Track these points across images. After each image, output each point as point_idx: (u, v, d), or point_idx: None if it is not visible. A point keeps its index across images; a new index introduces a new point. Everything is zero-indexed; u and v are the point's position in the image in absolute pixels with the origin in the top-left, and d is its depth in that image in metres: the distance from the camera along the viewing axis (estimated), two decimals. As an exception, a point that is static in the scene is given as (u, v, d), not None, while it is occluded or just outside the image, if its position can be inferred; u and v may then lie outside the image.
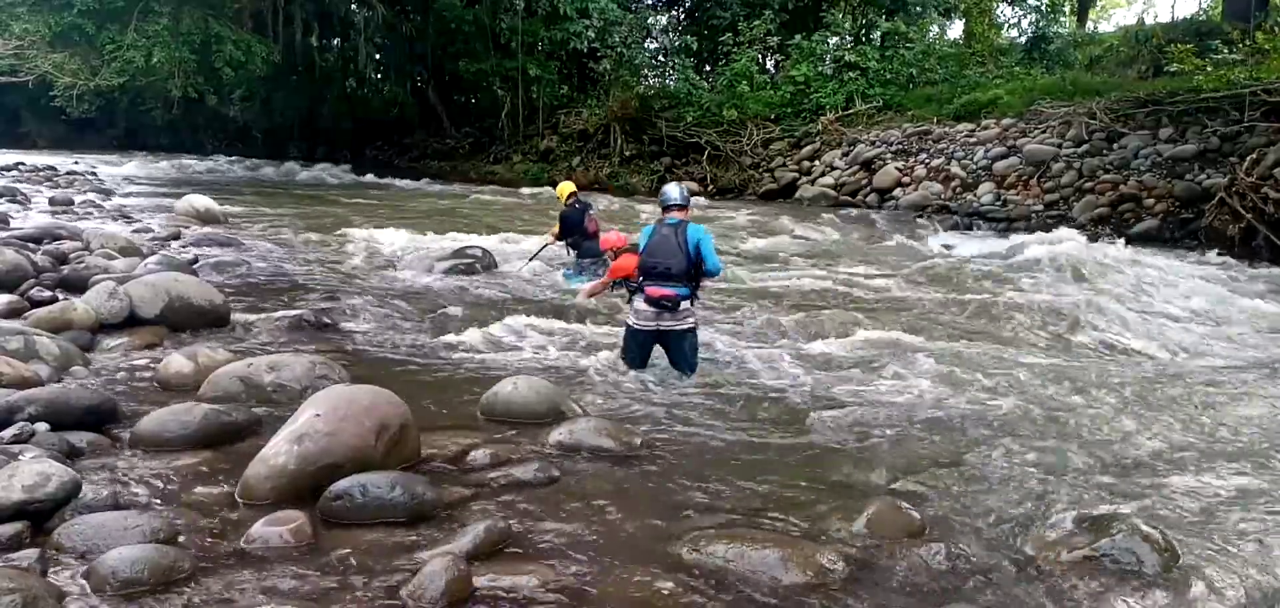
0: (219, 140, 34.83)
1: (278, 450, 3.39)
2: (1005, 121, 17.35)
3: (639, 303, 5.52)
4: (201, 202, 12.49)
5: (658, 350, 5.62)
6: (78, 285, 6.41)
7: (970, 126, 17.89)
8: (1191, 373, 5.84)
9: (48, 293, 6.12)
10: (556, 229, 9.32)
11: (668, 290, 5.40)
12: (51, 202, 13.17)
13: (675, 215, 5.60)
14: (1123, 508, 3.50)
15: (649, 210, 15.99)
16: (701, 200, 17.73)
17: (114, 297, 5.63)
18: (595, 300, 7.59)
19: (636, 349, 5.61)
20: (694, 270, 5.46)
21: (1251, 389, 5.42)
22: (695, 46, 25.51)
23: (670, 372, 5.53)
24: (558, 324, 6.86)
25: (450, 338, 6.29)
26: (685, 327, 5.51)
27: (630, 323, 5.59)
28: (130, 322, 5.62)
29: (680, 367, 5.54)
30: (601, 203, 16.27)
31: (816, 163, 19.76)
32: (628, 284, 6.32)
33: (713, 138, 21.79)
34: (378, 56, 30.71)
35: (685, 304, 5.47)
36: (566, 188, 9.51)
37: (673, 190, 5.80)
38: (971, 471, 3.90)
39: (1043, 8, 23.91)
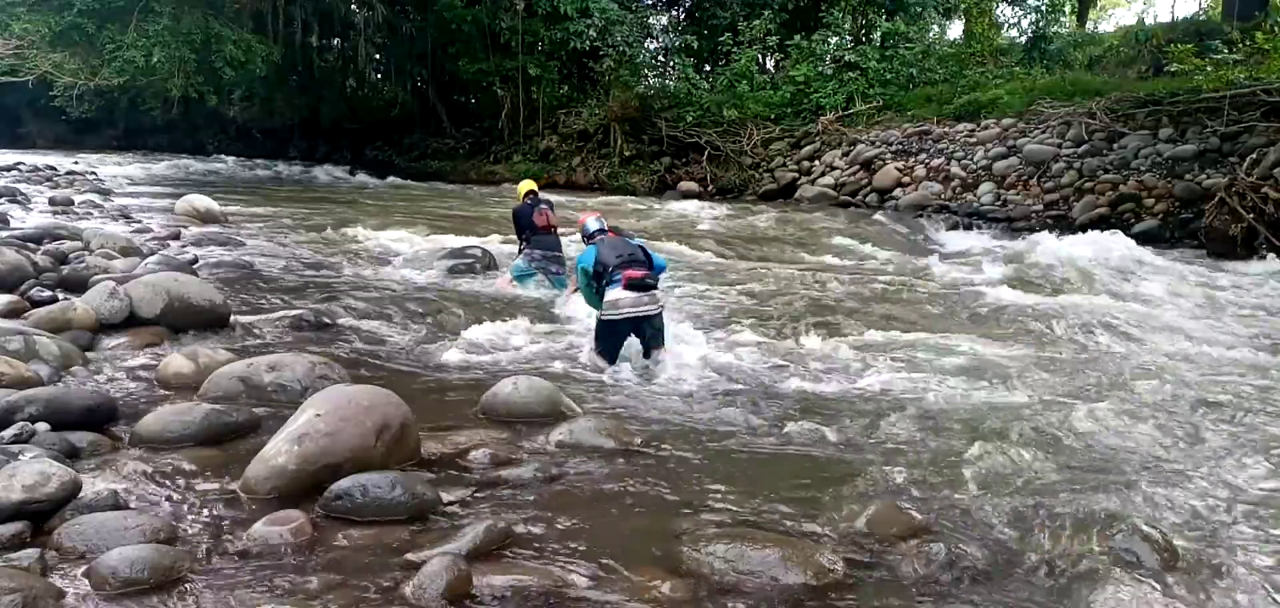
0: (219, 140, 34.78)
1: (278, 450, 3.39)
2: (1005, 121, 17.34)
3: (615, 293, 5.67)
4: (201, 202, 12.48)
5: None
6: (78, 285, 6.40)
7: (970, 126, 17.88)
8: (1192, 373, 5.84)
9: (48, 293, 6.11)
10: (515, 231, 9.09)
11: (642, 271, 5.72)
12: (51, 202, 13.14)
13: (600, 236, 6.22)
14: (1123, 508, 3.50)
15: (648, 210, 16.01)
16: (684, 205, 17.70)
17: (114, 297, 5.62)
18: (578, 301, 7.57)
19: (616, 341, 5.74)
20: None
21: (1252, 389, 5.42)
22: (695, 46, 25.49)
23: (668, 371, 5.54)
24: (557, 325, 6.87)
25: (450, 338, 6.29)
26: (660, 308, 5.85)
27: (607, 317, 5.74)
28: (130, 322, 5.61)
29: (652, 349, 5.77)
30: (596, 202, 16.27)
31: (816, 163, 19.75)
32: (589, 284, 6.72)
33: (713, 138, 21.77)
34: (378, 56, 30.63)
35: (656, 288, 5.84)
36: (526, 186, 9.35)
37: (591, 222, 6.48)
38: (971, 471, 3.90)
39: (1043, 8, 23.88)
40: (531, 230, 8.73)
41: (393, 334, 6.33)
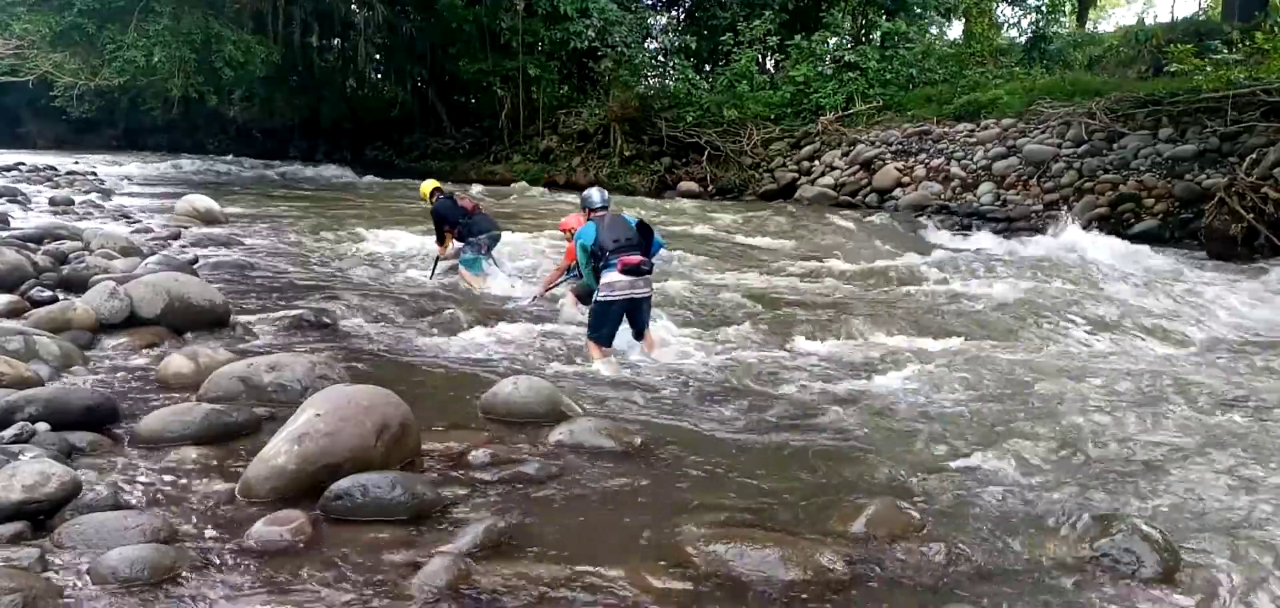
0: (219, 140, 34.80)
1: (278, 450, 3.39)
2: (1005, 121, 17.34)
3: (611, 276, 5.86)
4: (201, 202, 12.49)
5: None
6: (78, 285, 6.41)
7: (970, 126, 17.89)
8: (1191, 373, 5.84)
9: (48, 293, 6.11)
10: (437, 236, 8.89)
11: (639, 257, 5.88)
12: (52, 202, 13.16)
13: (601, 213, 6.25)
14: (1123, 508, 3.50)
15: (647, 210, 16.00)
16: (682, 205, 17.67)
17: (114, 297, 5.63)
18: (542, 297, 7.63)
19: (612, 322, 5.93)
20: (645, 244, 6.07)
21: (1251, 389, 5.42)
22: (695, 46, 25.48)
23: (668, 370, 5.54)
24: (557, 325, 6.87)
25: (450, 338, 6.30)
26: (650, 292, 6.12)
27: (604, 298, 5.90)
28: (130, 322, 5.61)
29: (642, 332, 6.08)
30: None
31: (816, 163, 19.75)
32: (571, 272, 6.87)
33: (713, 138, 21.77)
34: (378, 56, 30.64)
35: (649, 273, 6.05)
36: (429, 185, 9.12)
37: (595, 195, 6.42)
38: (971, 471, 3.90)
39: (1043, 8, 23.89)
40: (463, 216, 8.66)
41: (392, 334, 6.33)
